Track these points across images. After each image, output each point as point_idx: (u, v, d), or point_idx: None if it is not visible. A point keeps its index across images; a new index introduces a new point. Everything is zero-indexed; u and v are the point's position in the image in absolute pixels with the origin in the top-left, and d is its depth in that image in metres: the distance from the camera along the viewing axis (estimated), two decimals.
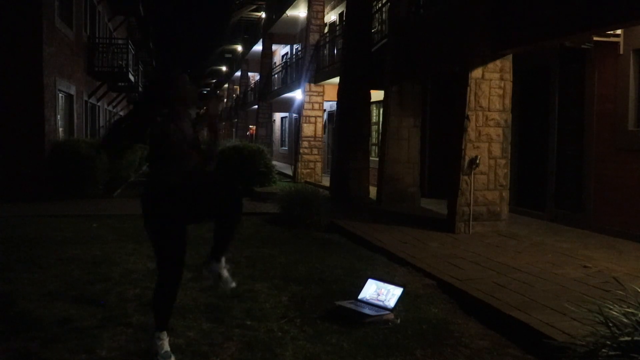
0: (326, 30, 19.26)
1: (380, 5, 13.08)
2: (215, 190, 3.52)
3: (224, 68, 49.24)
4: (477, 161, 7.94)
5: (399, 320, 4.33)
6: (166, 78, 3.65)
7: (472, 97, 7.97)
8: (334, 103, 15.33)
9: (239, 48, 38.73)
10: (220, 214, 3.52)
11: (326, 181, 15.28)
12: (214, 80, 60.60)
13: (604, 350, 2.90)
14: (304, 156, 17.66)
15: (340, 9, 18.62)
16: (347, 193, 12.24)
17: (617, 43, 7.95)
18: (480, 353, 3.82)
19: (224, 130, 46.26)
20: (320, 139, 17.99)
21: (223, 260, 3.59)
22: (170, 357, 3.50)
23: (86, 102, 16.87)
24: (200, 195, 3.48)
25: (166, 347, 3.52)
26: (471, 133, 7.99)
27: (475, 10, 8.04)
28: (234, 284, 3.67)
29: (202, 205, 3.52)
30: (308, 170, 17.57)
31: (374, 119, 16.02)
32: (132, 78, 19.78)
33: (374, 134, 15.59)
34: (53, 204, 10.87)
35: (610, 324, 2.99)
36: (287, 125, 28.39)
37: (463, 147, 7.96)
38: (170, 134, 3.46)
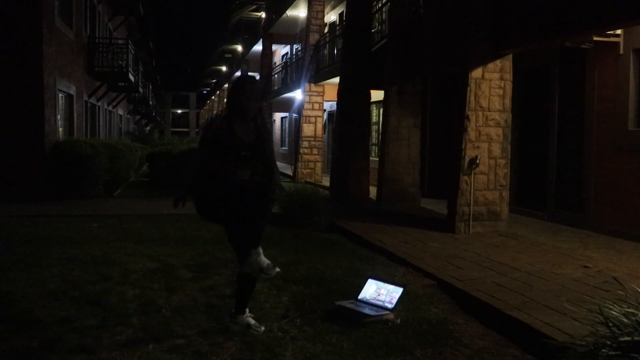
0: (326, 30, 19.25)
1: (380, 5, 13.08)
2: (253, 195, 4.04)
3: (224, 68, 49.23)
4: (477, 161, 7.94)
5: (399, 320, 4.33)
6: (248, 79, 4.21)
7: (472, 97, 7.97)
8: (334, 103, 15.33)
9: (239, 48, 38.71)
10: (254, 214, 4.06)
11: (326, 181, 15.28)
12: (214, 81, 60.58)
13: (604, 350, 2.90)
14: (304, 156, 17.67)
15: (340, 9, 18.61)
16: (347, 193, 12.24)
17: (617, 43, 7.95)
18: (480, 353, 3.82)
19: None
20: (320, 139, 17.99)
21: (259, 250, 3.97)
22: (260, 327, 4.04)
23: (86, 102, 16.86)
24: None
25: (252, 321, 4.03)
26: (471, 133, 8.00)
27: (475, 10, 8.05)
28: (277, 270, 3.98)
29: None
30: (308, 170, 17.58)
31: (374, 119, 16.02)
32: (132, 78, 19.78)
33: (374, 134, 15.59)
34: (53, 204, 10.86)
35: (610, 324, 2.99)
36: (287, 125, 28.39)
37: (463, 147, 7.97)
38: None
